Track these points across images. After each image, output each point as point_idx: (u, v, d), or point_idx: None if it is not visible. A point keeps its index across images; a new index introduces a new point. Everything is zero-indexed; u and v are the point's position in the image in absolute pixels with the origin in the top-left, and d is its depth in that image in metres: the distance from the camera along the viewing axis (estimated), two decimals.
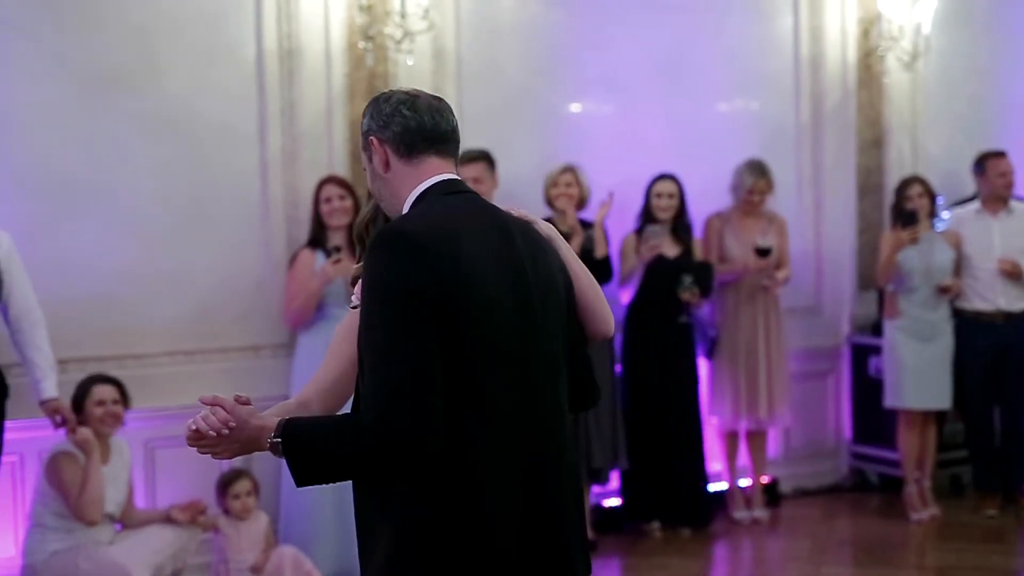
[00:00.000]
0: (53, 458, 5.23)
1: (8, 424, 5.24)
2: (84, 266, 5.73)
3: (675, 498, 6.83)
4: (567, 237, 6.53)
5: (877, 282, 7.24)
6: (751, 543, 6.88)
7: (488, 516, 2.52)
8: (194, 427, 2.68)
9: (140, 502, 5.65)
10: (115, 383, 5.39)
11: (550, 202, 6.62)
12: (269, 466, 5.99)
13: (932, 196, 7.20)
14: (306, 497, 5.94)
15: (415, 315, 2.45)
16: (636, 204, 6.84)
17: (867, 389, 7.56)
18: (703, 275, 6.80)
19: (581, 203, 6.63)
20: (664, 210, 6.78)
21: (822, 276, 7.79)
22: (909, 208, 7.00)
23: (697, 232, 7.03)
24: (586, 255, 6.59)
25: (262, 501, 5.76)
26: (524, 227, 2.74)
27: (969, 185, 7.74)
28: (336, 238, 5.99)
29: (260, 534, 5.61)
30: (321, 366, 2.96)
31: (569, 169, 6.59)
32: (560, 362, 2.70)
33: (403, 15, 6.23)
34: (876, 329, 7.46)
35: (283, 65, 6.18)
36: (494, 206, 2.76)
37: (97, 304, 5.76)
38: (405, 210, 2.68)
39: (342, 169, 6.26)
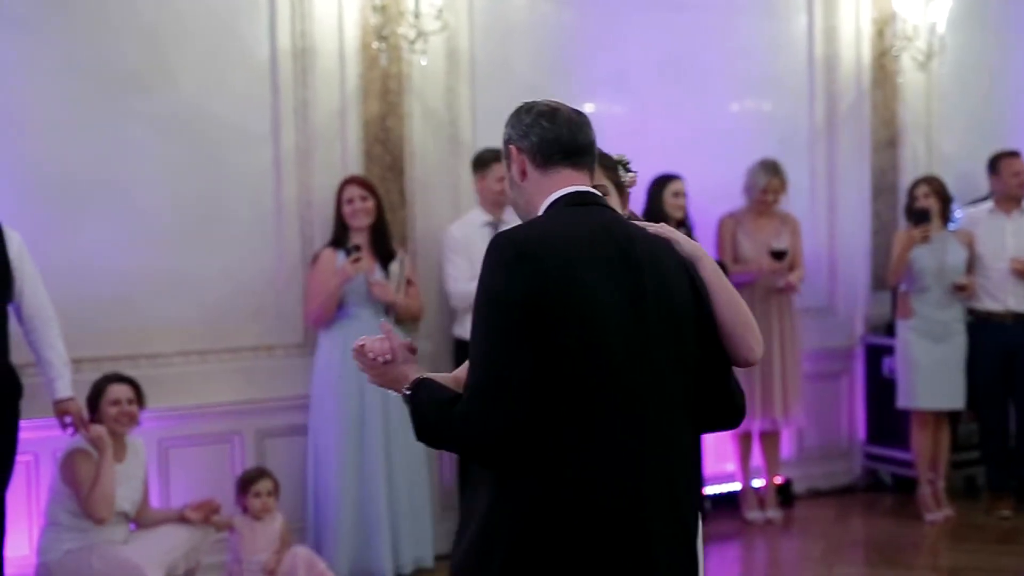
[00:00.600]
0: (68, 455, 5.25)
1: (23, 424, 5.25)
2: (98, 266, 5.74)
3: None
4: None
5: (889, 281, 7.23)
6: (764, 544, 6.87)
7: (579, 526, 2.54)
8: (363, 343, 2.81)
9: (154, 501, 5.66)
10: (131, 383, 5.40)
11: None
12: (292, 467, 6.00)
13: (943, 196, 7.18)
14: (326, 498, 5.97)
15: (510, 323, 2.53)
16: (644, 205, 6.84)
17: (881, 389, 7.55)
18: None
19: None
20: (680, 209, 6.80)
21: (836, 276, 7.78)
22: (919, 207, 6.99)
23: (704, 233, 7.03)
24: None
25: (280, 502, 5.77)
26: (651, 243, 2.75)
27: (984, 185, 7.71)
28: (357, 237, 6.00)
29: (275, 534, 5.62)
30: None
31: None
32: (676, 382, 2.69)
33: (417, 15, 6.24)
34: (890, 329, 7.45)
35: (296, 65, 6.18)
36: (622, 219, 2.79)
37: (111, 304, 5.77)
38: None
39: (356, 169, 6.27)
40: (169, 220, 5.93)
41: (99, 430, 5.19)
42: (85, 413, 5.24)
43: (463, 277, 6.32)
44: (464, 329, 6.40)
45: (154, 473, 5.77)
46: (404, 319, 6.20)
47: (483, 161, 6.40)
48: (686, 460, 2.74)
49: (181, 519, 5.48)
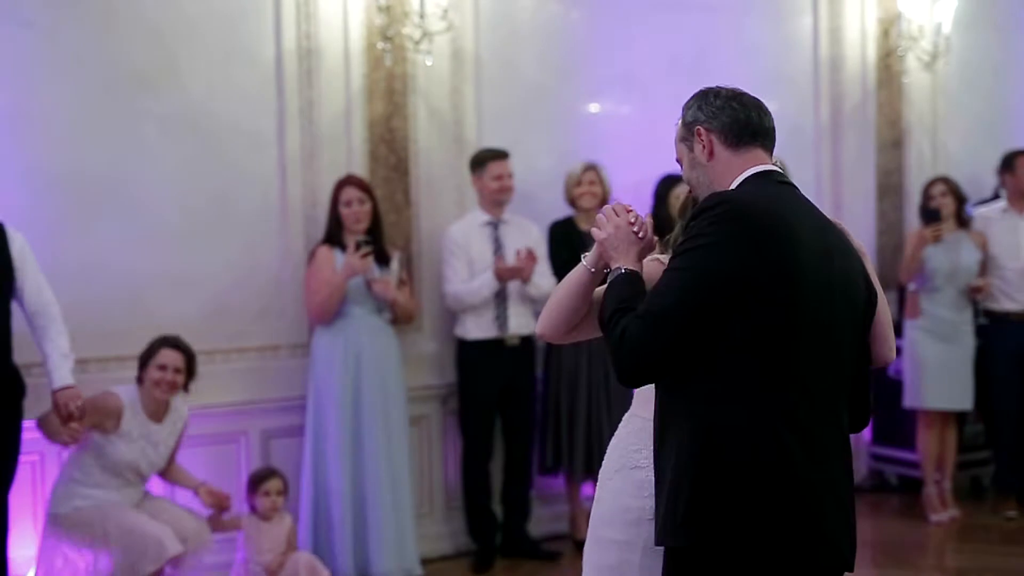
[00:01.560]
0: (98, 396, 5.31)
1: (29, 424, 5.26)
2: (104, 266, 5.74)
3: None
4: (586, 236, 6.55)
5: (901, 279, 7.21)
6: None
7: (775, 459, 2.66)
8: (630, 208, 2.97)
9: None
10: (185, 352, 5.43)
11: (572, 201, 6.62)
12: (297, 467, 6.00)
13: (958, 196, 7.17)
14: (325, 498, 5.97)
15: (713, 284, 2.62)
16: (651, 203, 6.84)
17: (887, 390, 7.53)
18: None
19: (603, 202, 6.64)
20: None
21: None
22: (932, 207, 6.99)
23: None
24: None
25: (287, 503, 5.78)
26: (836, 228, 2.87)
27: (989, 185, 7.71)
28: (354, 237, 5.99)
29: (282, 536, 5.62)
30: None
31: (592, 167, 6.61)
32: (845, 372, 2.80)
33: (422, 16, 6.24)
34: (897, 329, 7.43)
35: (302, 65, 6.19)
36: (810, 202, 2.87)
37: (117, 304, 5.77)
38: None
39: (360, 169, 6.27)
40: (176, 220, 5.93)
41: (74, 430, 5.16)
42: (81, 406, 5.19)
43: (459, 279, 6.33)
44: (465, 330, 6.41)
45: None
46: (401, 318, 6.22)
47: (480, 160, 6.41)
48: (845, 454, 2.83)
49: (196, 492, 5.52)
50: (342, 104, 6.27)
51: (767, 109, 2.92)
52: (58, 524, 5.27)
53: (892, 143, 7.86)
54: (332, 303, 5.94)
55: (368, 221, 6.02)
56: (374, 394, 6.00)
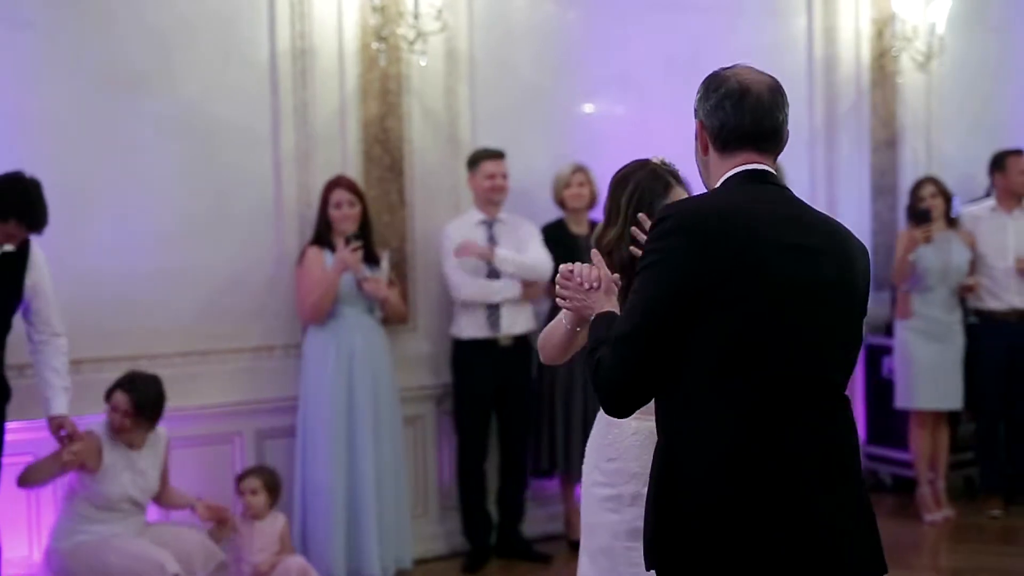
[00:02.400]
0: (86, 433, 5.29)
1: (20, 425, 5.27)
2: (99, 267, 5.74)
3: None
4: (577, 239, 6.56)
5: (895, 281, 7.22)
6: None
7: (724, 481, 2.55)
8: (572, 268, 2.97)
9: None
10: (139, 395, 5.34)
11: (562, 203, 6.62)
12: (284, 469, 5.99)
13: (947, 196, 7.18)
14: (316, 498, 5.96)
15: (665, 302, 2.56)
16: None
17: (880, 390, 7.55)
18: None
19: (592, 203, 6.65)
20: None
21: None
22: (922, 208, 7.00)
23: None
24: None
25: (276, 502, 5.77)
26: (831, 226, 2.76)
27: (983, 185, 7.72)
28: (341, 240, 5.99)
29: (274, 536, 5.61)
30: None
31: (581, 168, 6.61)
32: (841, 369, 2.71)
33: (416, 16, 6.24)
34: (889, 330, 7.45)
35: (296, 65, 6.18)
36: (801, 201, 2.76)
37: (112, 304, 5.76)
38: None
39: (355, 170, 6.27)
40: (170, 220, 5.92)
41: (74, 452, 5.15)
42: (75, 429, 5.20)
43: (464, 276, 6.32)
44: (459, 329, 6.42)
45: None
46: (391, 318, 6.22)
47: (473, 160, 6.42)
48: (837, 447, 2.69)
49: (193, 509, 5.49)
50: (336, 104, 6.26)
51: (774, 104, 2.75)
52: (59, 557, 5.26)
53: (886, 143, 7.87)
54: (325, 301, 5.94)
55: (357, 223, 6.02)
56: (367, 394, 6.00)
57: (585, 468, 3.55)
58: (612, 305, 2.88)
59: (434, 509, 6.59)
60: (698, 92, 2.80)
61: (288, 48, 6.16)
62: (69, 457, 5.16)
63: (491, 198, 6.40)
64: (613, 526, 3.38)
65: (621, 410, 2.70)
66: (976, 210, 7.38)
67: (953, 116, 8.07)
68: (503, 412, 6.52)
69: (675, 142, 7.20)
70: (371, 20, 6.28)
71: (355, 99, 6.30)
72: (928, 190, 7.12)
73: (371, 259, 6.06)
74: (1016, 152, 7.25)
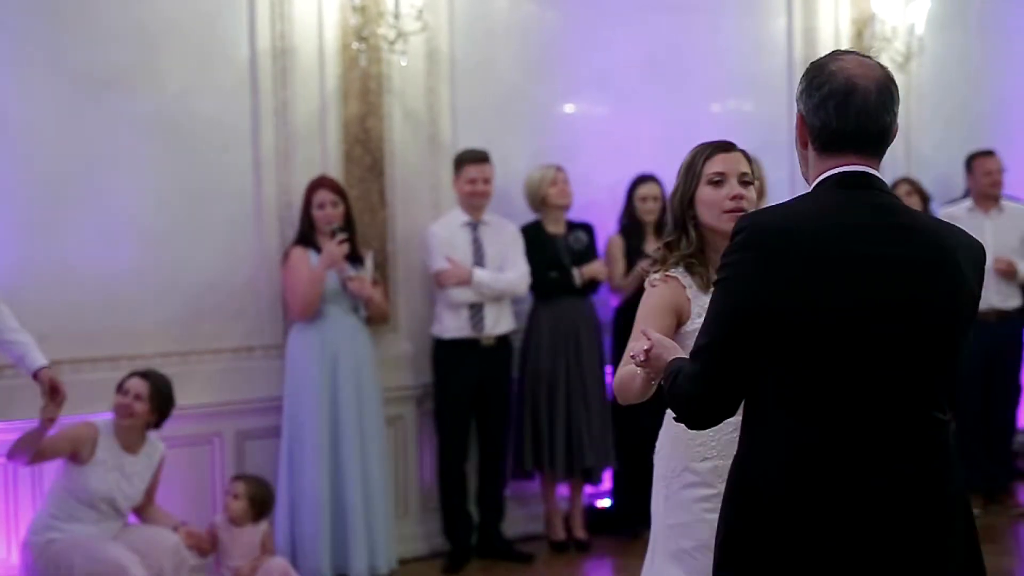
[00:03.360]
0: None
1: (2, 425, 5.24)
2: (78, 266, 5.72)
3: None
4: (555, 239, 6.57)
5: None
6: None
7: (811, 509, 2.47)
8: (643, 352, 2.87)
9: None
10: (154, 382, 5.38)
11: (544, 201, 6.61)
12: (272, 469, 5.98)
13: (924, 196, 7.21)
14: (300, 499, 5.95)
15: (738, 310, 2.50)
16: (625, 204, 6.84)
17: None
18: None
19: (570, 203, 6.68)
20: (649, 213, 6.77)
21: None
22: None
23: None
24: (575, 254, 6.61)
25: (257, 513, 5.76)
26: (933, 236, 2.56)
27: (961, 185, 7.75)
28: (326, 239, 5.98)
29: (255, 541, 5.60)
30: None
31: (561, 169, 6.62)
32: (927, 389, 2.53)
33: (396, 16, 6.23)
34: None
35: (276, 65, 6.17)
36: (902, 208, 2.59)
37: (92, 305, 5.74)
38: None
39: (335, 170, 6.26)
40: (150, 220, 5.91)
41: (50, 414, 5.08)
42: (60, 384, 5.09)
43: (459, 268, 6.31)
44: (442, 328, 6.42)
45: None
46: (375, 317, 6.22)
47: (457, 163, 6.43)
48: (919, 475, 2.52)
49: (175, 529, 5.46)
50: (317, 104, 6.25)
51: (881, 106, 2.54)
52: (31, 552, 5.24)
53: None
54: (315, 297, 5.93)
55: (341, 223, 6.01)
56: (350, 394, 6.00)
57: (665, 472, 3.45)
58: (679, 351, 2.82)
59: (415, 510, 6.58)
60: (800, 83, 2.60)
61: (268, 48, 6.15)
62: (48, 418, 5.09)
63: (471, 202, 6.40)
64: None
65: (699, 421, 2.66)
66: (953, 210, 7.41)
67: (932, 116, 8.09)
68: (484, 412, 6.51)
69: (655, 142, 7.26)
70: (351, 20, 6.27)
71: (335, 99, 6.29)
72: (903, 189, 7.15)
73: (355, 258, 6.06)
74: (983, 153, 7.29)
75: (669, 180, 6.86)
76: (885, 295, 2.47)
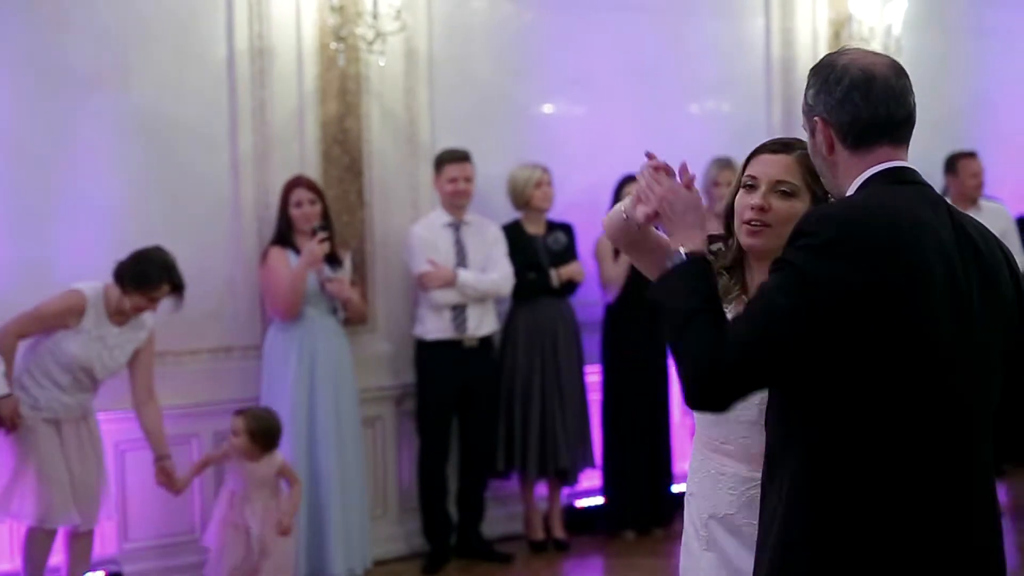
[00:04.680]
0: None
1: None
2: (54, 268, 5.68)
3: (644, 498, 6.84)
4: (535, 239, 6.57)
5: None
6: None
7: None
8: (662, 163, 2.63)
9: (108, 507, 5.52)
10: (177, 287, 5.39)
11: (528, 202, 6.61)
12: None
13: None
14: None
15: (814, 312, 2.24)
16: (608, 205, 6.84)
17: None
18: None
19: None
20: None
21: None
22: None
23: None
24: (554, 255, 6.61)
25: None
26: (986, 233, 2.47)
27: (938, 186, 7.77)
28: (304, 239, 5.96)
29: (270, 475, 5.46)
30: None
31: (547, 170, 6.62)
32: (992, 395, 2.43)
33: (375, 16, 6.22)
34: None
35: (254, 65, 6.15)
36: (948, 202, 2.48)
37: None
38: (841, 192, 2.49)
39: (313, 170, 6.24)
40: (127, 221, 5.88)
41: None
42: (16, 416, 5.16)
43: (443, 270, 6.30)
44: (425, 329, 6.41)
45: (111, 477, 5.70)
46: (353, 319, 6.21)
47: (437, 163, 6.43)
48: (983, 480, 2.41)
49: (155, 461, 5.44)
50: (295, 104, 6.24)
51: (904, 88, 2.47)
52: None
53: None
54: (298, 297, 5.92)
55: (320, 222, 6.00)
56: (328, 395, 5.99)
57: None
58: (695, 240, 2.51)
59: (393, 510, 6.57)
60: (810, 86, 2.50)
61: (246, 48, 6.13)
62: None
63: (453, 202, 6.39)
64: None
65: (715, 397, 2.33)
66: None
67: None
68: (466, 413, 6.51)
69: (633, 142, 7.23)
70: (329, 20, 6.26)
71: (314, 99, 6.28)
72: None
73: (333, 259, 6.04)
74: (968, 155, 7.32)
75: None
76: (979, 290, 2.38)
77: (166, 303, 5.42)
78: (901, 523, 2.30)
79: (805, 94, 2.53)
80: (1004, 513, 2.63)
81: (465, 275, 6.32)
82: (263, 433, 5.49)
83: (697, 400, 2.35)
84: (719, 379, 2.29)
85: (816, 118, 2.47)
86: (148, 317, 5.48)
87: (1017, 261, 2.53)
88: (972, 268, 2.38)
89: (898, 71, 2.47)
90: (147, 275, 5.32)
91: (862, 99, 2.42)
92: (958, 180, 7.31)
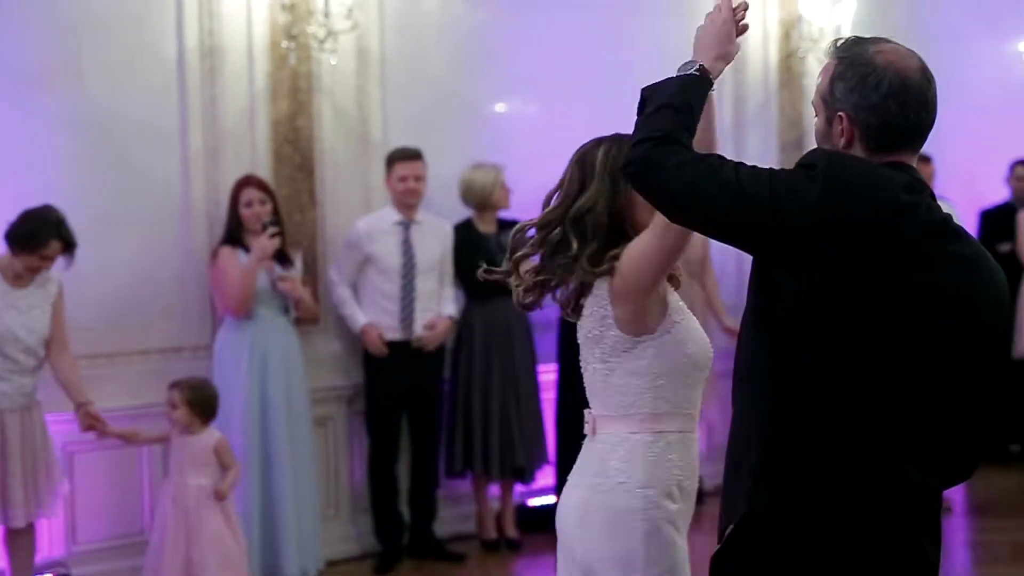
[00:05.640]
0: None
1: None
2: None
3: None
4: (487, 238, 6.57)
5: None
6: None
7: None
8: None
9: (58, 507, 5.49)
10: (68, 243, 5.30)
11: (489, 203, 6.59)
12: None
13: None
14: (232, 500, 5.90)
15: (760, 208, 2.34)
16: None
17: None
18: None
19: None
20: None
21: (743, 275, 7.85)
22: None
23: None
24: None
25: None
26: (976, 247, 2.48)
27: None
28: (253, 238, 5.94)
29: (208, 449, 5.43)
30: None
31: (503, 170, 6.62)
32: (951, 409, 2.43)
33: (326, 14, 6.20)
34: None
35: (204, 63, 6.12)
36: (944, 212, 2.49)
37: None
38: None
39: (264, 169, 6.22)
40: (77, 219, 5.79)
41: None
42: None
43: (344, 280, 6.35)
44: (387, 332, 6.40)
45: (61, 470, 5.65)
46: (305, 318, 6.19)
47: (388, 161, 6.43)
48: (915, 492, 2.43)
49: (76, 412, 5.33)
50: (245, 103, 6.21)
51: (934, 96, 2.45)
52: None
53: (794, 143, 7.97)
54: (249, 293, 5.89)
55: (269, 218, 5.97)
56: (279, 395, 5.97)
57: (643, 504, 2.98)
58: (713, 63, 2.67)
59: (345, 510, 6.56)
60: (840, 78, 2.45)
61: (196, 45, 6.09)
62: None
63: (403, 201, 6.38)
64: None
65: (643, 179, 2.48)
66: None
67: None
68: (415, 413, 6.50)
69: (585, 140, 7.24)
70: (281, 18, 6.23)
71: (265, 97, 6.25)
72: None
73: (284, 258, 6.02)
74: (923, 159, 7.38)
75: None
76: (953, 292, 2.39)
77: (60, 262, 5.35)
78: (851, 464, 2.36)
79: (830, 83, 2.48)
80: (951, 512, 2.66)
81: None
82: (201, 403, 5.48)
83: (638, 178, 2.48)
84: (650, 170, 2.45)
85: (841, 113, 2.45)
86: (53, 271, 5.40)
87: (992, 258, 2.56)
88: (952, 262, 2.39)
89: (929, 77, 2.46)
90: (35, 234, 5.25)
91: (898, 108, 2.41)
92: None
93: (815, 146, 2.54)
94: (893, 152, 2.44)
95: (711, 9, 2.72)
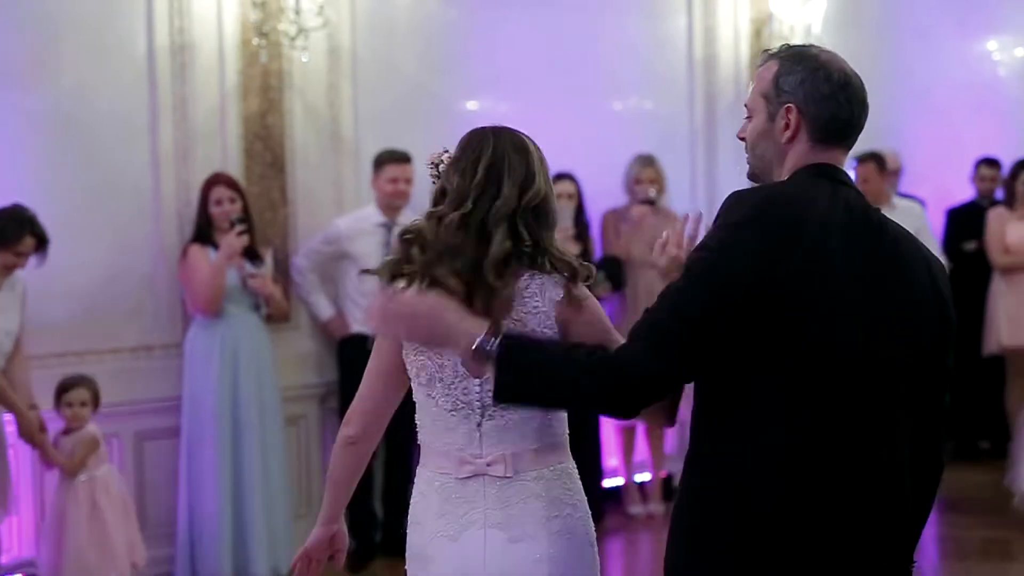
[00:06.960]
0: None
1: None
2: None
3: None
4: None
5: None
6: (648, 537, 6.94)
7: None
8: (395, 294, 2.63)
9: (27, 506, 5.47)
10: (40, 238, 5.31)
11: None
12: (171, 469, 5.91)
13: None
14: (200, 499, 5.89)
15: (737, 289, 2.31)
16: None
17: None
18: (614, 269, 6.88)
19: None
20: (564, 210, 6.81)
21: None
22: None
23: (594, 230, 7.09)
24: None
25: (157, 502, 5.66)
26: (906, 236, 2.54)
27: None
28: (223, 237, 5.92)
29: (83, 441, 5.41)
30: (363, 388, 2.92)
31: None
32: (908, 404, 2.44)
33: (297, 12, 6.19)
34: None
35: (175, 60, 6.09)
36: (867, 203, 2.54)
37: None
38: (775, 179, 2.53)
39: (235, 166, 6.20)
40: (45, 217, 5.76)
41: None
42: None
43: (312, 264, 6.37)
44: (346, 324, 6.39)
45: (28, 479, 5.62)
46: (276, 315, 6.18)
47: (377, 162, 6.42)
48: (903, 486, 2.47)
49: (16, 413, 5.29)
50: (216, 100, 6.19)
51: (866, 95, 2.56)
52: None
53: None
54: (219, 291, 5.87)
55: (237, 215, 5.95)
56: (251, 393, 5.96)
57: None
58: (468, 319, 2.54)
59: (317, 509, 6.47)
60: (789, 72, 2.48)
61: (167, 43, 6.07)
62: None
63: (391, 202, 6.38)
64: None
65: (635, 409, 2.45)
66: None
67: None
68: None
69: (557, 139, 7.25)
70: (252, 16, 6.22)
71: (235, 95, 6.24)
72: (871, 167, 7.25)
73: (254, 255, 6.01)
74: (866, 157, 7.35)
75: (581, 177, 6.94)
76: (891, 296, 2.42)
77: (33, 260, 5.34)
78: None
79: (775, 79, 2.50)
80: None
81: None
82: (95, 392, 5.49)
83: (622, 408, 2.46)
84: (648, 387, 2.41)
85: (791, 104, 2.48)
86: (19, 272, 5.37)
87: (937, 259, 2.58)
88: (880, 267, 2.41)
89: (861, 81, 2.56)
90: (7, 231, 5.24)
91: (846, 101, 2.49)
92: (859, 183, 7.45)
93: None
94: (834, 147, 2.50)
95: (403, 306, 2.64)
